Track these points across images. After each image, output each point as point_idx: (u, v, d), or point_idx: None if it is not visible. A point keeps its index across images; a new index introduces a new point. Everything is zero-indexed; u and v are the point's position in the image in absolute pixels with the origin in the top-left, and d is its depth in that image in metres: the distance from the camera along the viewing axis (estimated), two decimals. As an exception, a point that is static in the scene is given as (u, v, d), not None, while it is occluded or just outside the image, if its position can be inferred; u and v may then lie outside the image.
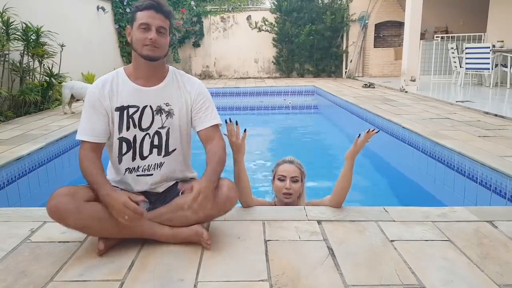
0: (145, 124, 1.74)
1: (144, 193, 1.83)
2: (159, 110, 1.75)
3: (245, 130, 1.99)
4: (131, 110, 1.72)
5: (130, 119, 1.72)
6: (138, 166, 1.78)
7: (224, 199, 1.67)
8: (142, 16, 1.66)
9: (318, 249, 1.67)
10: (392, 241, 1.74)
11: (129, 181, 1.79)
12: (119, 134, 1.73)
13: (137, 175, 1.79)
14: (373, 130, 1.98)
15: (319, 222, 1.93)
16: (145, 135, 1.75)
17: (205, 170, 1.68)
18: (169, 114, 1.77)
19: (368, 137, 1.98)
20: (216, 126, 1.82)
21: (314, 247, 1.69)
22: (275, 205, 2.25)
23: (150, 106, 1.74)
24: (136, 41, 1.68)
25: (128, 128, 1.73)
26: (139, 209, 1.55)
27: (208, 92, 1.88)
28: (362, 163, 4.90)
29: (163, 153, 1.79)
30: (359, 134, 1.98)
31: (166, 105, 1.76)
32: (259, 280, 1.45)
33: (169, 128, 1.78)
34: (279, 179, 2.18)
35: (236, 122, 1.97)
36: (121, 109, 1.72)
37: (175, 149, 1.82)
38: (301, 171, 2.20)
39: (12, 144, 3.57)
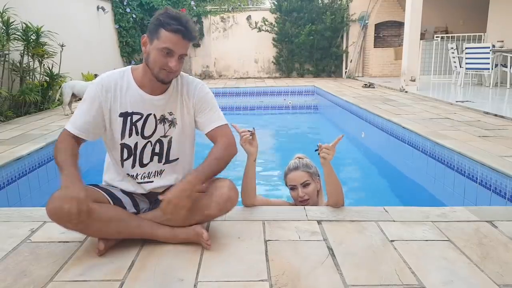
0: (147, 132, 1.72)
1: (143, 193, 1.83)
2: (163, 119, 1.73)
3: (253, 130, 2.00)
4: (135, 117, 1.69)
5: (133, 126, 1.70)
6: (137, 174, 1.76)
7: (225, 199, 1.67)
8: (167, 39, 1.55)
9: (318, 249, 1.67)
10: (392, 241, 1.74)
11: (130, 183, 1.79)
12: (121, 140, 1.71)
13: (138, 182, 1.78)
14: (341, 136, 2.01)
15: (319, 222, 1.93)
16: (147, 142, 1.73)
17: (199, 165, 1.66)
18: (172, 123, 1.75)
19: (336, 142, 2.00)
20: (220, 127, 1.77)
21: (314, 247, 1.69)
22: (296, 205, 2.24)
23: (154, 115, 1.71)
24: (153, 61, 1.59)
25: (130, 135, 1.71)
26: (82, 216, 1.45)
27: (210, 93, 1.82)
28: (363, 163, 4.92)
29: (163, 160, 1.77)
30: (317, 146, 1.99)
31: (170, 114, 1.74)
32: (259, 280, 1.45)
33: (171, 137, 1.76)
34: (291, 189, 2.19)
35: (253, 130, 1.98)
36: (125, 115, 1.68)
37: (177, 159, 1.80)
38: (309, 173, 2.17)
39: (12, 144, 3.57)
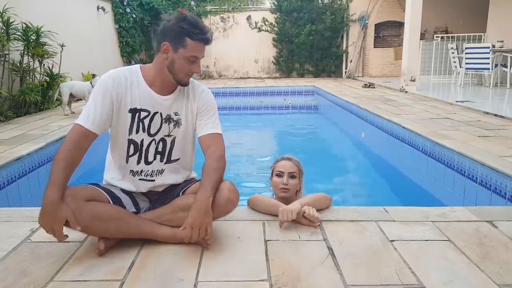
0: (153, 129, 1.74)
1: (144, 192, 1.83)
2: (168, 119, 1.76)
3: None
4: (143, 114, 1.72)
5: (141, 123, 1.72)
6: (142, 170, 1.78)
7: (225, 201, 1.67)
8: (194, 48, 1.65)
9: (318, 249, 1.67)
10: (392, 241, 1.74)
11: (132, 182, 1.79)
12: (129, 135, 1.73)
13: (139, 179, 1.79)
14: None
15: (319, 222, 1.93)
16: (152, 140, 1.75)
17: (201, 183, 1.67)
18: (177, 123, 1.77)
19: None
20: (215, 134, 1.80)
21: (314, 247, 1.69)
22: None
23: (160, 114, 1.74)
24: (179, 69, 1.68)
25: (137, 131, 1.73)
26: (61, 237, 1.53)
27: (215, 101, 1.87)
28: (363, 163, 4.92)
29: (165, 160, 1.80)
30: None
31: (175, 115, 1.77)
32: (259, 280, 1.45)
33: (175, 137, 1.79)
34: (277, 174, 2.20)
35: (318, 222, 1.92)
36: (133, 111, 1.71)
37: (178, 159, 1.82)
38: (299, 168, 2.21)
39: (12, 144, 3.57)
